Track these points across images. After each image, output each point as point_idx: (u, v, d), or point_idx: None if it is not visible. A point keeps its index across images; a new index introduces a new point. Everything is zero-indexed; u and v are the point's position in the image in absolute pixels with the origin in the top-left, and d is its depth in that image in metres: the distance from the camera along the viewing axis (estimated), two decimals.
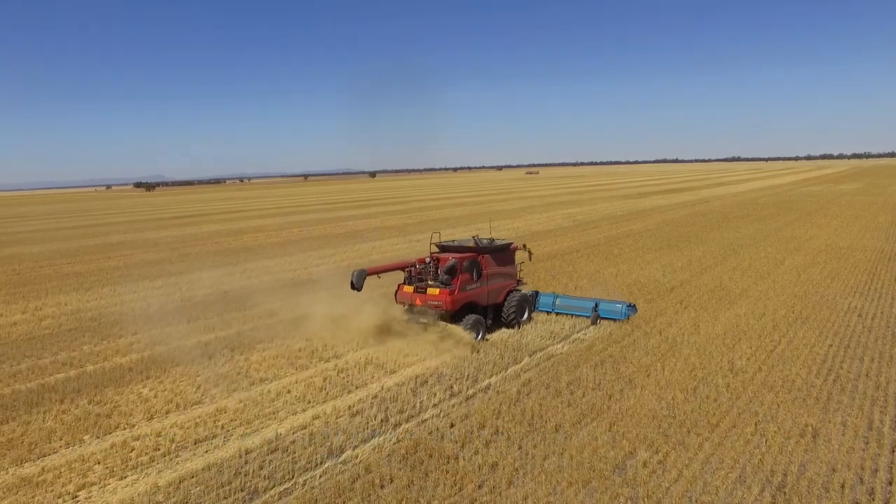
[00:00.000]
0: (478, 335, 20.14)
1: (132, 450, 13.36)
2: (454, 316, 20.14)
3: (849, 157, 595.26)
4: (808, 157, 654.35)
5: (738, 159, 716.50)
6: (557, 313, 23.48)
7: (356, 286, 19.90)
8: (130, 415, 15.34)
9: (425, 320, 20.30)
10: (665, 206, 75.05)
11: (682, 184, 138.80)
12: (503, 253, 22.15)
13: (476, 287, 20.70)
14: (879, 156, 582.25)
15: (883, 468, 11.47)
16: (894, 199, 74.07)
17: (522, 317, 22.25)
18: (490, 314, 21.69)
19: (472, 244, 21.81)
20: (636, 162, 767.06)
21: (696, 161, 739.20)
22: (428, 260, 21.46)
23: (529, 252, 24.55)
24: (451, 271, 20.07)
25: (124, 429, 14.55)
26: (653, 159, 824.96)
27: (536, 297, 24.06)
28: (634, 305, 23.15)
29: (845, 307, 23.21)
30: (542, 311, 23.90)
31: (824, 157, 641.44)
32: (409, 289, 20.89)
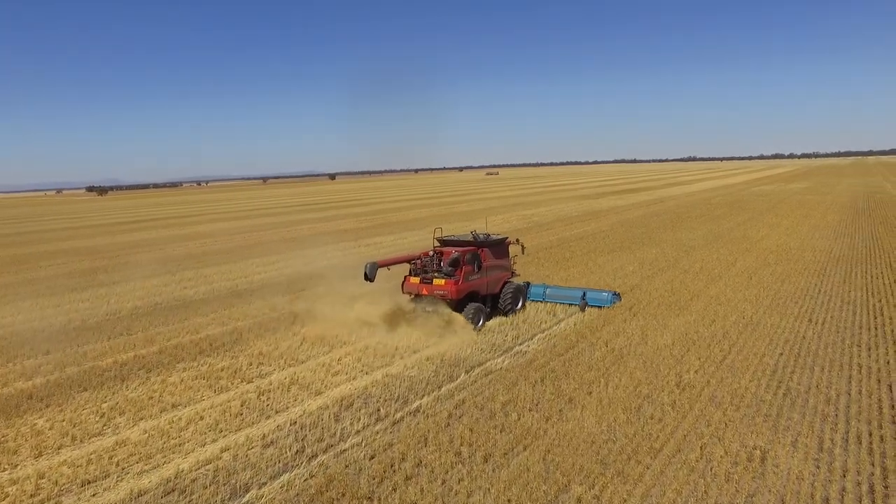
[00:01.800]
0: (478, 322, 21.53)
1: (5, 497, 11.67)
2: (457, 304, 21.56)
3: (798, 157, 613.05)
4: (761, 157, 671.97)
5: (695, 159, 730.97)
6: (548, 302, 24.74)
7: (369, 277, 20.98)
8: (15, 452, 13.59)
9: (430, 308, 21.50)
10: (621, 206, 74.98)
11: (639, 184, 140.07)
12: (499, 246, 23.86)
13: (477, 278, 22.27)
14: (826, 155, 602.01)
15: (834, 497, 10.54)
16: (842, 198, 75.44)
17: (517, 305, 23.78)
18: (489, 303, 23.05)
19: (470, 238, 23.50)
20: (596, 162, 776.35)
21: (654, 161, 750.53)
22: (431, 253, 22.71)
23: (522, 246, 26.22)
24: (455, 263, 21.68)
25: (3, 470, 12.83)
26: (612, 159, 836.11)
27: (528, 287, 25.41)
28: (619, 294, 24.98)
29: (796, 312, 22.63)
30: (533, 300, 25.08)
31: (776, 156, 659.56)
32: (415, 280, 22.25)
